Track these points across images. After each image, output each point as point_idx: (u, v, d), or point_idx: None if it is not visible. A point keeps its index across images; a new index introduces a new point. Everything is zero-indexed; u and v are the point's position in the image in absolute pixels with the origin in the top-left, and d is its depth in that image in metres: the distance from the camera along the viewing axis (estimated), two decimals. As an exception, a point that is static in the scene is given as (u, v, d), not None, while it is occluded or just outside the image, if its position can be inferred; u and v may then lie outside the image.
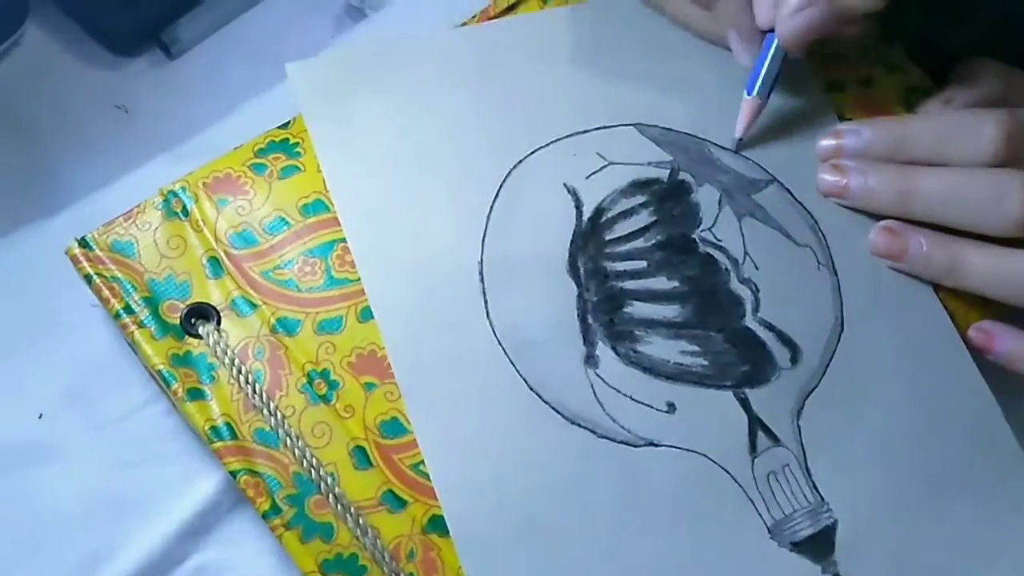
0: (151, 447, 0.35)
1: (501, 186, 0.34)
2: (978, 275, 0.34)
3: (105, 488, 0.35)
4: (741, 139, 0.36)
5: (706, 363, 0.32)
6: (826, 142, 0.36)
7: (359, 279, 0.33)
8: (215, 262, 0.34)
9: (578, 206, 0.34)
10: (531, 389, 0.32)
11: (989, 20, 0.43)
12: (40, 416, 0.35)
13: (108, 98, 0.42)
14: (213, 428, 0.32)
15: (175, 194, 0.35)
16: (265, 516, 0.31)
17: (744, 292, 0.34)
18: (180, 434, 0.35)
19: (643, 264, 0.33)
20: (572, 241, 0.34)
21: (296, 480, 0.31)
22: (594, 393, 0.32)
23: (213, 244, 0.34)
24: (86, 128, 0.42)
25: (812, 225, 0.35)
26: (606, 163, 0.35)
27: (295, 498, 0.31)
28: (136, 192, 0.36)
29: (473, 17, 0.39)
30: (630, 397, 0.32)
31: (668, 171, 0.35)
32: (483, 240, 0.33)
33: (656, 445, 0.32)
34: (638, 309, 0.33)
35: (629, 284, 0.33)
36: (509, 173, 0.35)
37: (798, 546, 0.31)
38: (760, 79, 0.35)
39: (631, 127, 0.36)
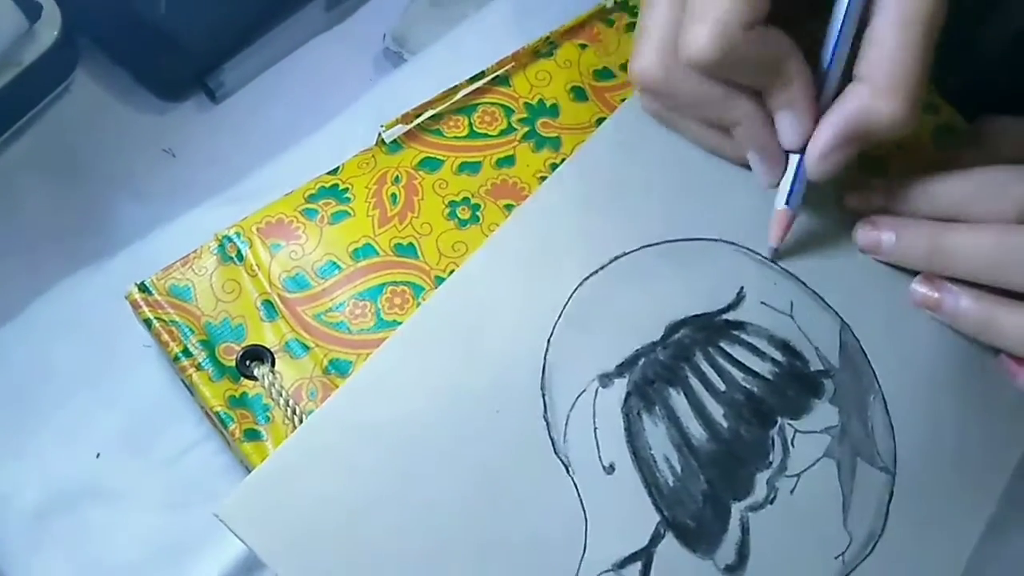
0: (204, 486, 0.36)
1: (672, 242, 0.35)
2: (1013, 334, 0.33)
3: (160, 527, 0.36)
4: (776, 249, 0.35)
5: (671, 486, 0.32)
6: (852, 198, 0.36)
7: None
8: (269, 305, 0.35)
9: (731, 305, 0.34)
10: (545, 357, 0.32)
11: (990, 57, 0.44)
12: (98, 456, 0.36)
13: (156, 142, 0.44)
14: (270, 468, 0.33)
15: (230, 239, 0.36)
16: (322, 554, 0.32)
17: (760, 491, 0.32)
18: (232, 472, 0.36)
19: (721, 387, 0.33)
20: (697, 315, 0.34)
21: (351, 519, 0.32)
22: (576, 397, 0.32)
23: (267, 288, 0.35)
24: (135, 171, 0.43)
25: (873, 533, 0.33)
26: (789, 316, 0.35)
27: (350, 537, 0.32)
28: (187, 234, 0.37)
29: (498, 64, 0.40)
30: (595, 428, 0.32)
31: (821, 369, 0.34)
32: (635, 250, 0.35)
33: (567, 469, 0.31)
34: (677, 402, 0.33)
35: (695, 383, 0.33)
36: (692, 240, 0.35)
37: None
38: (791, 191, 0.34)
39: (840, 320, 0.35)
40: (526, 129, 0.39)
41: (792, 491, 0.32)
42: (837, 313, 0.35)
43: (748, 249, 0.36)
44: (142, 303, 0.35)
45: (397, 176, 0.37)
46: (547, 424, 0.32)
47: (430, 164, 0.38)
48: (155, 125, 0.44)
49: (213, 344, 0.34)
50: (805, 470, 0.33)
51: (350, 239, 0.36)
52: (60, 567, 0.35)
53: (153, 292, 0.35)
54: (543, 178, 0.37)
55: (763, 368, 0.34)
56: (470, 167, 0.38)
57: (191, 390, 0.34)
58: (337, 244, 0.36)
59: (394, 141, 0.38)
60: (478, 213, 0.37)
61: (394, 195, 0.37)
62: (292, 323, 0.35)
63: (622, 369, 0.33)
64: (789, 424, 0.33)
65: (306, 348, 0.34)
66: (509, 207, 0.37)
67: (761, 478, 0.32)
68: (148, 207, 0.42)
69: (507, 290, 0.34)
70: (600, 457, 0.32)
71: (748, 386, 0.33)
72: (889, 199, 0.36)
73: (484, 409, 0.32)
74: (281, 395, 0.34)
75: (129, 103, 0.44)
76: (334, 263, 0.36)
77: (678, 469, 0.32)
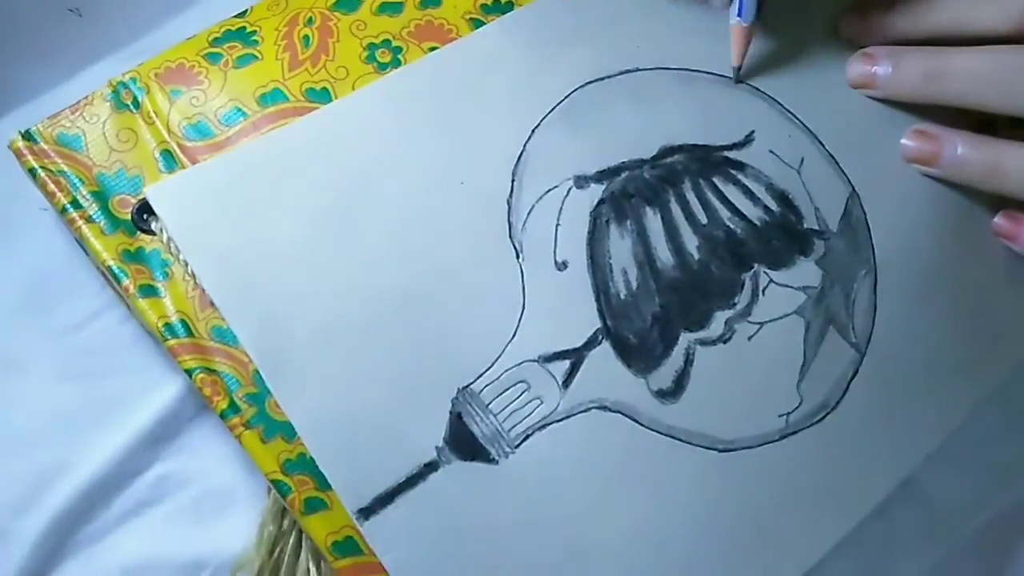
0: (108, 355, 0.33)
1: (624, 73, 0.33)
2: (1017, 175, 0.31)
3: (62, 398, 0.33)
4: (739, 69, 0.33)
5: (621, 299, 0.30)
6: (848, 22, 0.34)
7: (320, 169, 0.31)
8: (168, 155, 0.32)
9: (737, 144, 0.32)
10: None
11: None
12: (-10, 323, 0.34)
13: (61, 1, 0.40)
14: (167, 325, 0.30)
15: (125, 85, 0.33)
16: (223, 415, 0.29)
17: (716, 328, 0.30)
18: (138, 341, 0.33)
19: (703, 220, 0.31)
20: (697, 144, 0.32)
21: (256, 378, 0.30)
22: (547, 190, 0.30)
23: (166, 136, 0.32)
24: (38, 33, 0.39)
25: (826, 404, 0.31)
26: (796, 171, 0.32)
27: (255, 397, 0.29)
28: (89, 91, 0.34)
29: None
30: (557, 224, 0.30)
31: (816, 229, 0.32)
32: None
33: (517, 255, 0.30)
34: (651, 222, 0.30)
35: (675, 208, 0.31)
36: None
37: (454, 422, 0.28)
38: (741, 3, 0.32)
39: (851, 188, 0.33)
40: (455, -32, 0.36)
41: (750, 337, 0.30)
42: (849, 180, 0.33)
43: (772, 98, 0.33)
44: (26, 152, 0.31)
45: (310, 17, 0.34)
46: (509, 207, 0.30)
47: (346, 4, 0.34)
48: (60, -16, 0.41)
49: (106, 196, 0.31)
50: (770, 321, 0.31)
51: (257, 83, 0.33)
52: (-47, 440, 0.32)
53: (39, 140, 0.32)
54: (472, 20, 0.34)
55: (752, 213, 0.31)
56: (391, 7, 0.34)
57: (84, 247, 0.32)
58: (243, 89, 0.33)
59: (308, -19, 0.35)
60: (399, 56, 0.33)
61: (307, 37, 0.34)
62: (193, 173, 0.32)
63: (602, 176, 0.31)
64: (765, 272, 0.31)
65: (209, 200, 0.31)
66: (433, 50, 0.34)
67: (720, 316, 0.30)
68: (52, 68, 0.38)
69: (506, 69, 0.32)
70: (555, 252, 0.30)
71: (732, 226, 0.31)
72: (887, 16, 0.33)
73: (448, 176, 0.30)
74: (181, 250, 0.31)
75: (32, -39, 0.41)
76: (239, 109, 0.32)
77: (633, 284, 0.30)
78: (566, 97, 0.32)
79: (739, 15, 0.31)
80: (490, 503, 0.27)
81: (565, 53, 0.32)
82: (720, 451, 0.29)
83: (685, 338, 0.30)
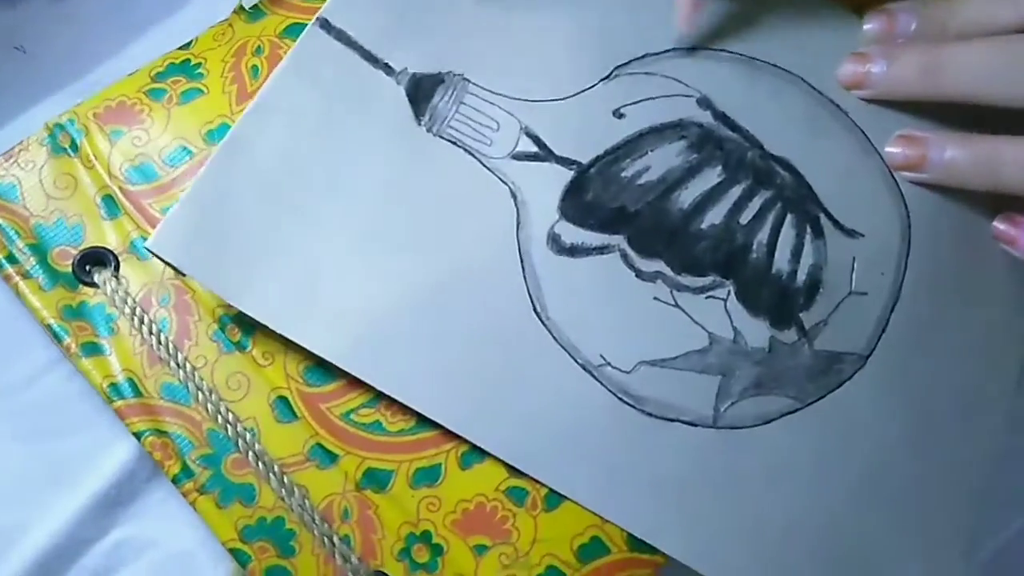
0: (57, 415, 0.31)
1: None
2: (1015, 169, 0.29)
3: (12, 461, 0.31)
4: (686, 36, 0.31)
5: (619, 175, 0.30)
6: (873, 26, 0.32)
7: (272, 209, 0.29)
8: (110, 201, 0.30)
9: (841, 227, 0.31)
10: None
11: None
12: (-71, 387, 0.32)
13: (4, 39, 0.38)
14: (113, 385, 0.28)
15: (62, 127, 0.31)
16: (175, 480, 0.27)
17: (644, 269, 0.29)
18: (88, 397, 0.31)
19: (742, 220, 0.30)
20: (813, 189, 0.31)
21: (211, 438, 0.28)
22: (677, 73, 0.31)
23: (107, 181, 0.30)
24: (-19, 72, 0.37)
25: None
26: (849, 293, 0.31)
27: (210, 458, 0.27)
28: (33, 131, 0.32)
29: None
30: (652, 97, 0.31)
31: (802, 325, 0.30)
32: None
33: (607, 79, 0.31)
34: (708, 173, 0.30)
35: (734, 191, 0.31)
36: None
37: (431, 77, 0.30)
38: None
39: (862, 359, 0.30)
40: (413, -12, 0.34)
41: (654, 298, 0.29)
42: (873, 352, 0.30)
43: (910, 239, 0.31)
44: (-43, 205, 0.30)
45: (259, 46, 0.32)
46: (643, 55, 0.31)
47: (298, 31, 0.32)
48: (2, 20, 0.39)
49: (45, 248, 0.30)
50: (685, 313, 0.29)
51: (204, 119, 0.31)
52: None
53: (-29, 192, 0.30)
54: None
55: (780, 262, 0.30)
56: (344, 32, 0.33)
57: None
58: (188, 126, 0.31)
59: (255, 7, 0.33)
60: (355, 83, 0.32)
61: (255, 67, 0.32)
62: (137, 219, 0.30)
63: (720, 119, 0.31)
64: (729, 290, 0.29)
65: (154, 247, 0.29)
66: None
67: (657, 264, 0.29)
68: (-5, 108, 0.36)
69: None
70: (624, 106, 0.31)
71: (753, 246, 0.30)
72: (891, 19, 0.32)
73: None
74: (127, 302, 0.29)
75: (-28, -3, 0.39)
76: (185, 148, 0.30)
77: (640, 180, 0.30)
78: (758, 58, 0.32)
79: None
80: (381, 134, 0.29)
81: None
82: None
83: (615, 238, 0.30)
